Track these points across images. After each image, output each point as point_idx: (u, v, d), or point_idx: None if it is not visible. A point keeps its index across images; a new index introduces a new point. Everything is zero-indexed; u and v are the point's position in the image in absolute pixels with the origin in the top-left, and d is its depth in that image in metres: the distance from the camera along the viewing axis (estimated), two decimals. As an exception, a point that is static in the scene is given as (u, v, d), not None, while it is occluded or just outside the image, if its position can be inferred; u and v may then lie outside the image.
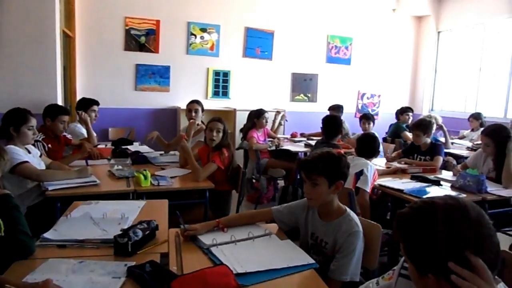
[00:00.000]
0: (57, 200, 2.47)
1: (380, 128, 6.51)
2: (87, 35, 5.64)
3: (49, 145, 3.35)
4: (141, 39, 5.94)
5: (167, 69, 6.15)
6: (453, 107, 7.34)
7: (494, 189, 2.94)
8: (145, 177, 2.75)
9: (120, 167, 3.14)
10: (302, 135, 5.87)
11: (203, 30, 6.28)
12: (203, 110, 4.26)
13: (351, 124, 6.34)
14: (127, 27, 5.84)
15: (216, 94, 6.50)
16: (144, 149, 4.13)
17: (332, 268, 1.71)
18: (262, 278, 1.47)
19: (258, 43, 6.62)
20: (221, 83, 6.51)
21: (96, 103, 4.25)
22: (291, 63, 6.85)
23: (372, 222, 1.87)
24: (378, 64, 7.46)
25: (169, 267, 1.54)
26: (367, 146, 3.06)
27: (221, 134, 3.19)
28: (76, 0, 5.47)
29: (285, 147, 4.87)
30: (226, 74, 6.51)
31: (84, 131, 4.08)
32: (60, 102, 4.46)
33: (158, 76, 6.12)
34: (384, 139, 5.76)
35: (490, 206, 2.85)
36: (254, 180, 4.83)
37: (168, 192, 2.75)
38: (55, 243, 1.72)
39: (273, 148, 4.88)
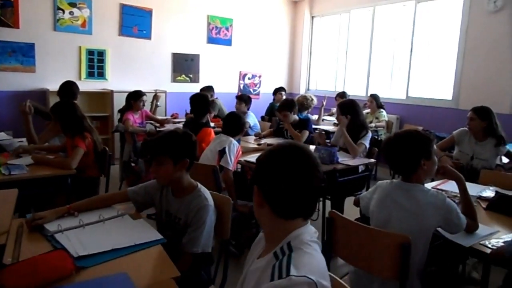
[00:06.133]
0: None
1: (261, 108, 6.82)
2: None
3: None
4: (-4, 11, 5.25)
5: (31, 47, 5.55)
6: (325, 87, 7.99)
7: (345, 159, 3.33)
8: (-7, 167, 2.50)
9: (-36, 157, 2.79)
10: (187, 115, 5.80)
11: (72, 5, 5.78)
12: None
13: (233, 105, 6.51)
14: (-25, -3, 5.11)
15: (91, 75, 6.09)
16: (1, 136, 3.72)
17: (184, 241, 1.79)
18: (105, 258, 1.47)
19: (135, 21, 6.34)
20: (96, 63, 6.11)
21: None
22: (171, 43, 6.72)
23: (224, 195, 1.99)
24: (258, 45, 7.73)
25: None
26: (231, 124, 3.20)
27: None
28: None
29: (163, 128, 4.82)
30: (101, 54, 6.13)
31: None
32: None
33: (20, 54, 5.49)
34: (262, 118, 6.07)
35: (342, 174, 3.23)
36: (132, 164, 4.70)
37: (26, 182, 2.56)
38: None
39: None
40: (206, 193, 1.88)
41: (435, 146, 1.97)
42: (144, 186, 2.02)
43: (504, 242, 1.73)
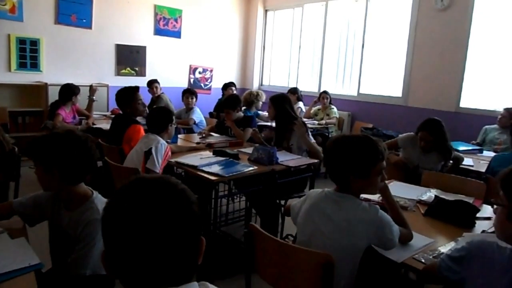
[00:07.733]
0: None
1: (213, 103, 6.53)
2: None
3: None
4: None
5: (-51, 33, 4.99)
6: (279, 82, 7.80)
7: (285, 160, 3.08)
8: None
9: None
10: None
11: (-1, -13, 5.25)
12: None
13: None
14: None
15: (22, 66, 5.57)
16: None
17: (69, 262, 1.49)
18: (-48, 294, 1.16)
19: (73, 8, 5.85)
20: (28, 53, 5.59)
21: None
22: (115, 33, 6.28)
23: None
24: (209, 38, 7.40)
25: None
26: (155, 120, 2.88)
27: None
28: None
29: (98, 126, 4.43)
30: (34, 43, 5.61)
31: None
32: None
33: None
34: (211, 114, 5.79)
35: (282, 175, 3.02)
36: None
37: None
38: None
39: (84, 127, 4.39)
40: (101, 204, 1.58)
41: (384, 163, 1.64)
42: (34, 196, 1.69)
43: (436, 257, 1.57)
